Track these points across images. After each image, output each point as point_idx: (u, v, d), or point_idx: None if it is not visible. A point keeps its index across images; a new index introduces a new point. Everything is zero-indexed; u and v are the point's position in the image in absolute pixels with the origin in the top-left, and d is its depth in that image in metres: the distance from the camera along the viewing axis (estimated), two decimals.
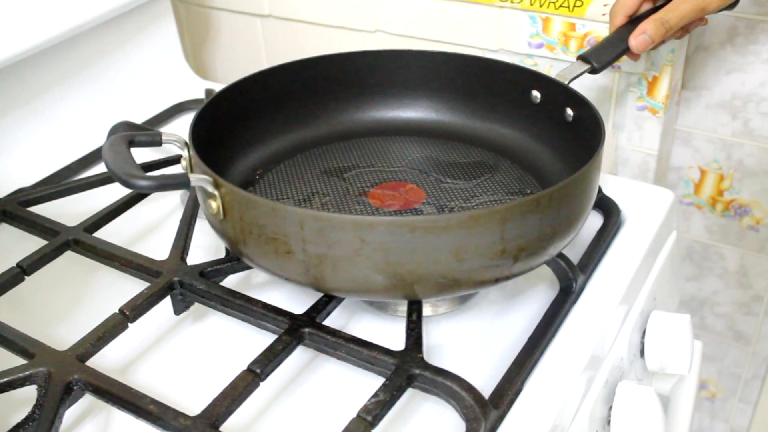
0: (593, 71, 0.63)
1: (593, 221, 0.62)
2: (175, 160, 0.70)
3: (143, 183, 0.47)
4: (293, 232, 0.46)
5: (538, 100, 0.65)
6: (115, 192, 0.64)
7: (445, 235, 0.45)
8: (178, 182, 0.48)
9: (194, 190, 0.60)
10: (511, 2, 0.75)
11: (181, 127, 0.81)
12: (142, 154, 0.66)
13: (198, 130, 0.56)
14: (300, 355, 0.51)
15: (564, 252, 0.54)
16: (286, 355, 0.49)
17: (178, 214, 0.60)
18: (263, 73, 0.66)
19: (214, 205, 0.50)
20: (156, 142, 0.56)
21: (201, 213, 0.56)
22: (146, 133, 0.55)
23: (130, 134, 0.53)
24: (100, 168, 0.74)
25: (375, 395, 0.44)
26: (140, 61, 0.86)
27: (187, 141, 0.55)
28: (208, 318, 0.57)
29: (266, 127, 0.67)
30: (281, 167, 0.65)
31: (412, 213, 0.59)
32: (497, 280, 0.49)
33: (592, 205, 0.54)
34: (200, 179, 0.49)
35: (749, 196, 0.83)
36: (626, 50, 0.64)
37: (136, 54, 0.85)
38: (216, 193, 0.49)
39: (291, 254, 0.47)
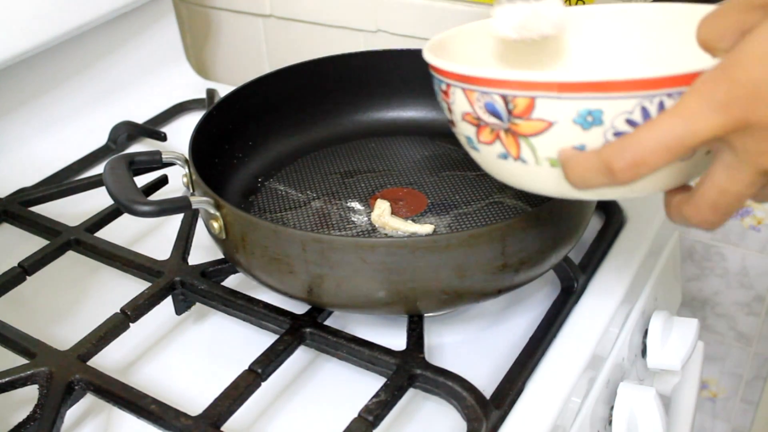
0: None
1: (595, 221, 0.62)
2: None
3: (145, 208, 0.48)
4: (295, 254, 0.46)
5: None
6: None
7: (446, 254, 0.45)
8: (180, 206, 0.49)
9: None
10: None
11: (182, 127, 0.81)
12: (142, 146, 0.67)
13: (198, 143, 0.57)
14: (301, 355, 0.51)
15: None
16: (288, 355, 0.49)
17: (180, 214, 0.60)
18: (260, 80, 0.66)
19: (216, 225, 0.50)
20: (156, 160, 0.56)
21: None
22: (146, 152, 0.56)
23: (129, 155, 0.54)
24: (101, 168, 0.74)
25: (376, 395, 0.44)
26: (142, 60, 0.86)
27: (187, 157, 0.55)
28: (210, 318, 0.57)
29: (266, 133, 0.67)
30: (282, 173, 0.65)
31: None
32: (500, 292, 0.49)
33: (592, 213, 0.54)
34: (201, 201, 0.50)
35: None
36: None
37: (138, 54, 0.85)
38: (218, 214, 0.50)
39: (293, 273, 0.48)
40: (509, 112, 0.37)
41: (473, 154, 0.42)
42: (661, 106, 0.34)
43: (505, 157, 0.39)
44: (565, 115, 0.35)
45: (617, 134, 0.35)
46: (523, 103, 0.36)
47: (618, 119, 0.34)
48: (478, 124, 0.39)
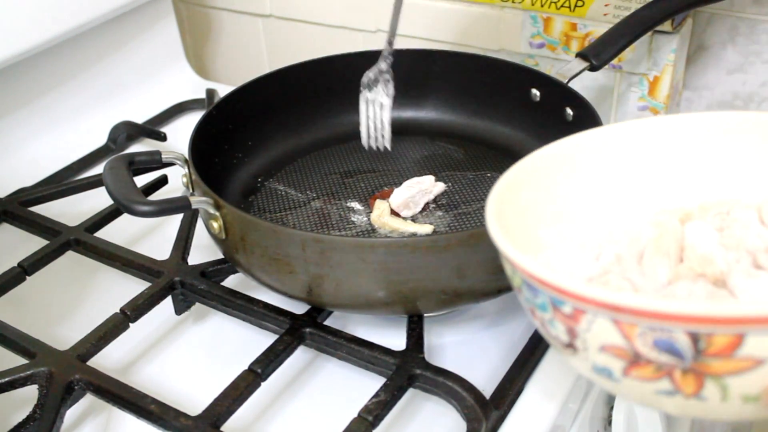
0: (593, 68, 0.63)
1: None
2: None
3: (144, 208, 0.48)
4: (295, 254, 0.46)
5: (538, 99, 0.65)
6: None
7: (446, 254, 0.45)
8: (180, 206, 0.49)
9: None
10: (512, 2, 0.75)
11: (182, 128, 0.81)
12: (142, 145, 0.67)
13: (197, 143, 0.57)
14: (301, 355, 0.51)
15: None
16: (287, 355, 0.49)
17: (179, 214, 0.60)
18: (260, 80, 0.66)
19: (216, 225, 0.50)
20: (155, 160, 0.56)
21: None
22: (146, 152, 0.56)
23: (129, 155, 0.54)
24: (101, 168, 0.74)
25: (376, 395, 0.44)
26: (141, 60, 0.86)
27: (187, 157, 0.55)
28: (209, 318, 0.57)
29: (266, 133, 0.67)
30: (282, 173, 0.65)
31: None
32: (500, 292, 0.49)
33: None
34: (201, 201, 0.50)
35: None
36: (626, 46, 0.64)
37: (138, 54, 0.85)
38: (217, 214, 0.50)
39: (293, 274, 0.48)
40: (698, 351, 0.29)
41: (602, 382, 0.34)
42: None
43: (670, 394, 0.31)
44: None
45: None
46: (724, 342, 0.28)
47: None
48: (635, 360, 0.31)
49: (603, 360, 0.32)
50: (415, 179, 0.61)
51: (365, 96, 0.63)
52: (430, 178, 0.62)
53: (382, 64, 0.62)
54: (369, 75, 0.63)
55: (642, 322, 0.29)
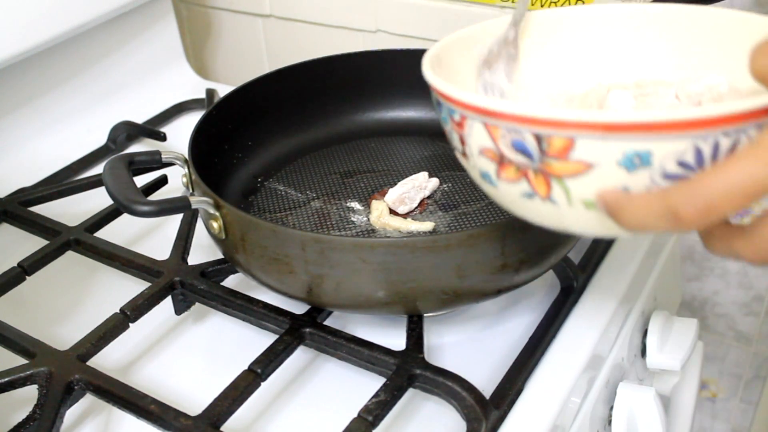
0: None
1: None
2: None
3: (144, 208, 0.48)
4: (295, 254, 0.46)
5: None
6: None
7: (446, 254, 0.45)
8: (180, 206, 0.49)
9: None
10: (512, 2, 0.75)
11: (182, 128, 0.81)
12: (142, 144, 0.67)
13: (197, 143, 0.57)
14: (301, 355, 0.51)
15: None
16: (287, 355, 0.49)
17: (179, 214, 0.60)
18: (260, 80, 0.66)
19: (216, 225, 0.50)
20: (155, 160, 0.57)
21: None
22: (145, 152, 0.56)
23: (129, 155, 0.54)
24: (101, 168, 0.74)
25: (376, 395, 0.44)
26: (141, 60, 0.86)
27: (187, 158, 0.55)
28: (209, 318, 0.57)
29: (266, 133, 0.67)
30: (282, 173, 0.65)
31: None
32: (500, 292, 0.49)
33: None
34: (201, 201, 0.50)
35: None
36: None
37: (137, 54, 0.85)
38: (217, 214, 0.50)
39: (293, 274, 0.48)
40: (542, 151, 0.33)
41: (488, 189, 0.39)
42: (716, 146, 0.31)
43: (530, 196, 0.36)
44: (609, 157, 0.32)
45: (666, 176, 0.32)
46: (560, 144, 0.32)
47: (668, 161, 0.31)
48: (501, 161, 0.36)
49: (482, 164, 0.37)
50: (409, 177, 0.61)
51: (484, 78, 0.47)
52: (424, 174, 0.62)
53: (511, 32, 0.47)
54: (492, 48, 0.47)
55: (501, 124, 0.34)
